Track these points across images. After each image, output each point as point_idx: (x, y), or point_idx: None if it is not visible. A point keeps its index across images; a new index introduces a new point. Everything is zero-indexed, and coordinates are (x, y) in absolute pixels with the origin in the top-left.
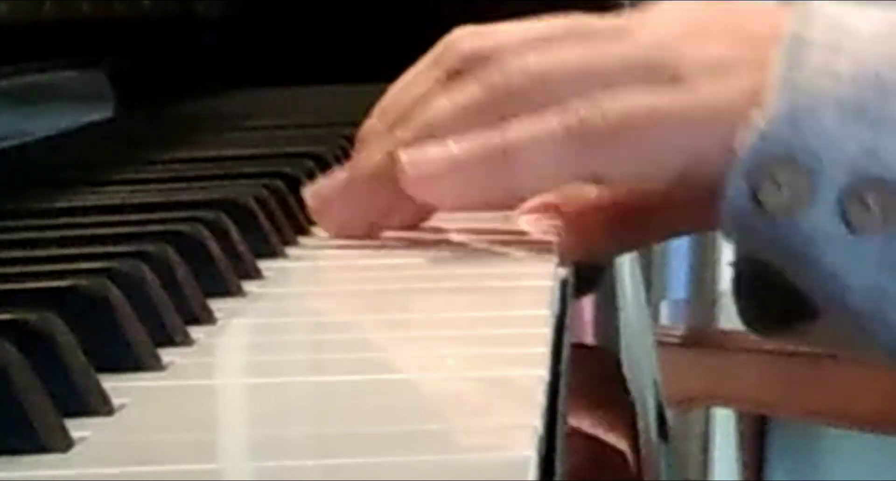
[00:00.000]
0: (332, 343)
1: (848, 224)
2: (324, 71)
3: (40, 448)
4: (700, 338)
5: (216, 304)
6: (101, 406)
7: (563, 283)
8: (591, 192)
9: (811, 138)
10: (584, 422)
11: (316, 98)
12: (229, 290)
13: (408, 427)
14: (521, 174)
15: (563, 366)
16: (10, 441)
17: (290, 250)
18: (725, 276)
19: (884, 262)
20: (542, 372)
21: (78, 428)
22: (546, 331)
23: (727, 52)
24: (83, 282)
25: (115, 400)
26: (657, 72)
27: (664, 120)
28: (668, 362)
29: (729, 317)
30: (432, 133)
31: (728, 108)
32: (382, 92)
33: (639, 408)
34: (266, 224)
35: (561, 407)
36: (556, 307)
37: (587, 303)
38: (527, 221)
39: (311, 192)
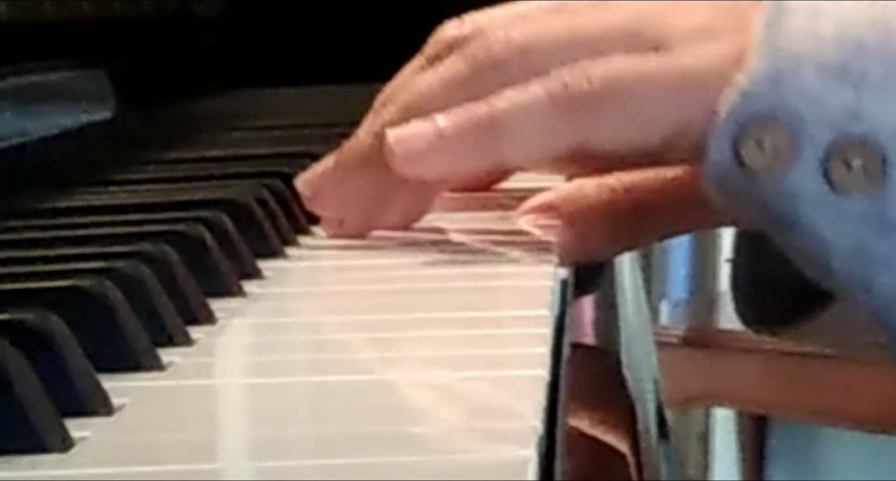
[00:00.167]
0: (331, 343)
1: (830, 183)
2: (323, 71)
3: (40, 448)
4: (700, 338)
5: (216, 304)
6: (101, 406)
7: (563, 283)
8: (590, 192)
9: (793, 98)
10: (584, 422)
11: (316, 98)
12: (229, 290)
13: (407, 427)
14: (508, 143)
15: (563, 366)
16: (10, 441)
17: (290, 250)
18: (725, 276)
19: (866, 222)
20: (542, 372)
21: (78, 428)
22: (546, 331)
23: (710, 20)
24: (83, 282)
25: (115, 400)
26: (640, 39)
27: (649, 84)
28: (668, 362)
29: (729, 317)
30: (417, 109)
31: (713, 73)
32: (381, 92)
33: (639, 408)
34: (266, 224)
35: (561, 407)
36: (556, 307)
37: (587, 303)
38: (526, 221)
39: (302, 180)
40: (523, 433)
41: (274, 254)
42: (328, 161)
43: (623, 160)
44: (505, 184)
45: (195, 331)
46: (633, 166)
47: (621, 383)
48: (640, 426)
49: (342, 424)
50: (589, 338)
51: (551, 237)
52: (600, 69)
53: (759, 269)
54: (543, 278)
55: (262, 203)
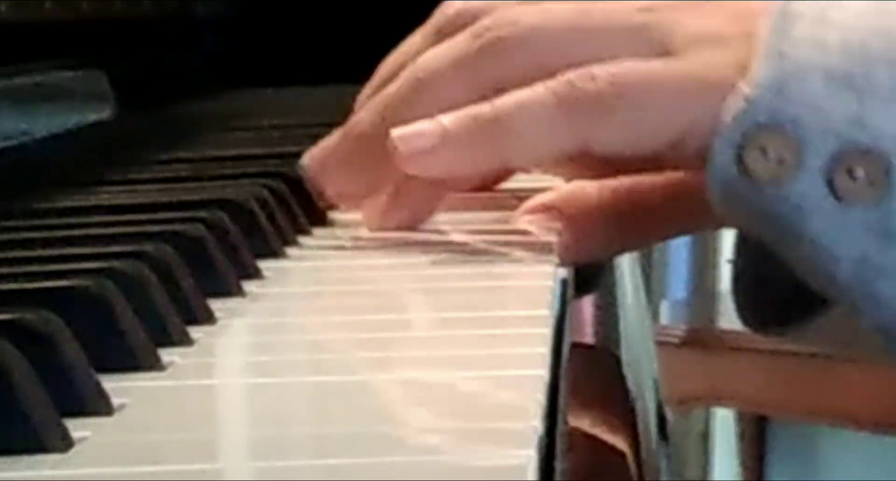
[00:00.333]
0: (331, 343)
1: (834, 192)
2: (323, 71)
3: (40, 448)
4: (700, 338)
5: (216, 304)
6: (101, 406)
7: (563, 283)
8: (591, 193)
9: (797, 106)
10: (584, 422)
11: (315, 98)
12: (229, 290)
13: (407, 427)
14: (512, 143)
15: (563, 366)
16: (10, 441)
17: (290, 250)
18: (725, 276)
19: (870, 231)
20: (542, 372)
21: (78, 428)
22: (546, 331)
23: (719, 27)
24: (83, 282)
25: (115, 400)
26: (648, 41)
27: (656, 87)
28: (668, 362)
29: (729, 317)
30: (419, 85)
31: (719, 79)
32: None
33: (639, 408)
34: (266, 224)
35: (561, 407)
36: (555, 307)
37: (587, 303)
38: (527, 222)
39: (308, 156)
40: (523, 433)
41: (274, 254)
42: (332, 138)
43: (627, 164)
44: (505, 185)
45: (195, 331)
46: (637, 170)
47: (621, 383)
48: (640, 426)
49: (342, 424)
50: (589, 338)
51: (551, 237)
52: (607, 72)
53: (760, 269)
54: (543, 278)
55: (262, 203)
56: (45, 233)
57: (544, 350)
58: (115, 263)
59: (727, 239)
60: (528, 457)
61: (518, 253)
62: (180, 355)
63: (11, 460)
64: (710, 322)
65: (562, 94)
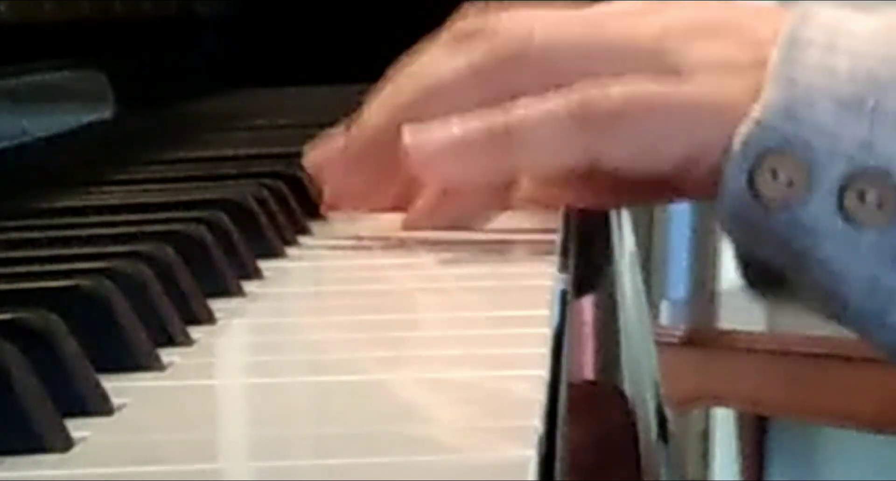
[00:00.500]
0: (331, 343)
1: (845, 216)
2: (323, 71)
3: (40, 448)
4: (700, 338)
5: (216, 304)
6: (101, 406)
7: (563, 284)
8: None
9: (807, 130)
10: (584, 422)
11: (315, 98)
12: (229, 290)
13: (407, 427)
14: (522, 153)
15: (563, 366)
16: (10, 441)
17: (290, 250)
18: (725, 276)
19: (880, 254)
20: (542, 373)
21: (78, 428)
22: (546, 331)
23: (731, 53)
24: (83, 282)
25: (115, 400)
26: (661, 62)
27: (667, 109)
28: (668, 362)
29: (729, 317)
30: (430, 91)
31: (730, 104)
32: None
33: (639, 408)
34: (266, 224)
35: (561, 407)
36: (556, 308)
37: (587, 303)
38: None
39: (311, 155)
40: (523, 433)
41: (274, 254)
42: (339, 138)
43: (633, 183)
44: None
45: (195, 331)
46: (644, 191)
47: (621, 383)
48: (640, 426)
49: (342, 424)
50: (588, 338)
51: (551, 237)
52: (620, 88)
53: None
54: (543, 278)
55: (262, 203)
56: (45, 233)
57: (544, 350)
58: (115, 263)
59: (727, 239)
60: (528, 457)
61: (518, 253)
62: (180, 355)
63: (11, 460)
64: (710, 322)
65: (575, 108)
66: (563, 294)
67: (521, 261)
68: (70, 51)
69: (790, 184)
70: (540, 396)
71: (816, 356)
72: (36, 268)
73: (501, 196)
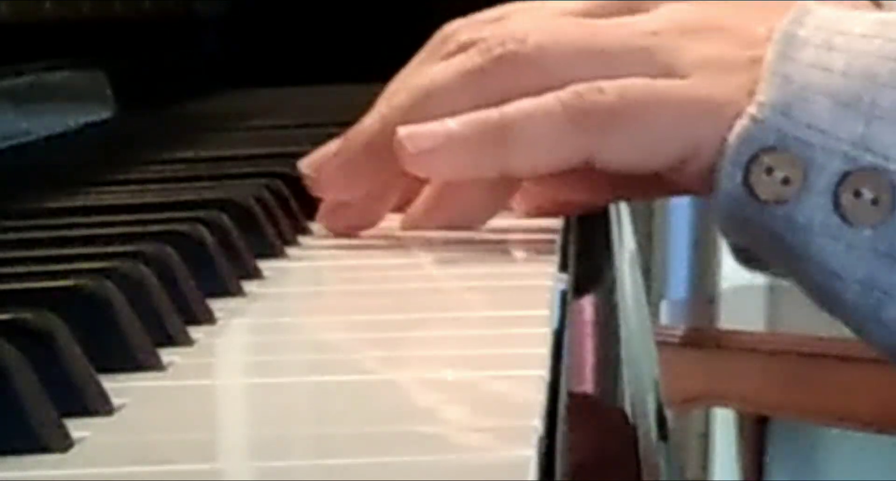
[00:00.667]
0: (331, 343)
1: (840, 213)
2: (323, 71)
3: (40, 448)
4: (700, 338)
5: (216, 304)
6: (101, 406)
7: (563, 284)
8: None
9: (803, 127)
10: (584, 423)
11: (315, 98)
12: (229, 290)
13: (407, 427)
14: (517, 151)
15: (563, 366)
16: (10, 441)
17: (290, 250)
18: (725, 276)
19: (876, 253)
20: (542, 373)
21: (78, 428)
22: (546, 331)
23: (726, 52)
24: (83, 282)
25: (115, 400)
26: (656, 62)
27: (662, 106)
28: (668, 362)
29: (729, 317)
30: (428, 97)
31: (726, 101)
32: (381, 91)
33: (639, 408)
34: (266, 224)
35: (561, 407)
36: (555, 307)
37: (587, 303)
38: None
39: (306, 162)
40: (523, 433)
41: (274, 254)
42: (333, 144)
43: (628, 179)
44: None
45: (195, 331)
46: (639, 187)
47: (621, 383)
48: (640, 426)
49: (342, 424)
50: (589, 338)
51: (551, 237)
52: (615, 86)
53: None
54: (543, 278)
55: (262, 203)
56: (45, 233)
57: (544, 350)
58: (115, 263)
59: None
60: (528, 457)
61: (518, 253)
62: (180, 355)
63: (11, 460)
64: (710, 322)
65: (569, 105)
66: (563, 294)
67: (521, 261)
68: (70, 51)
69: (785, 181)
70: (540, 396)
71: (816, 356)
72: (36, 268)
73: (499, 195)
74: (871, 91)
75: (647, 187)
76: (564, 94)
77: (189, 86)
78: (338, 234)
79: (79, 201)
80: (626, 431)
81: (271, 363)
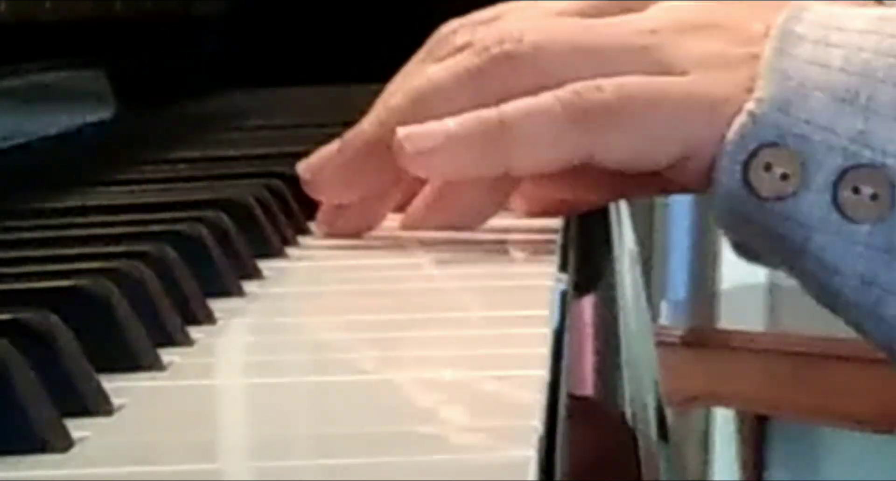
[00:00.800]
0: (331, 343)
1: (839, 209)
2: (323, 71)
3: (40, 448)
4: (700, 338)
5: (216, 304)
6: (101, 406)
7: (564, 285)
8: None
9: (802, 124)
10: (584, 423)
11: (315, 98)
12: (229, 290)
13: (407, 427)
14: (516, 149)
15: (563, 366)
16: (10, 441)
17: (290, 250)
18: (725, 276)
19: (875, 249)
20: (542, 373)
21: (78, 428)
22: (546, 331)
23: (723, 49)
24: (83, 282)
25: (115, 400)
26: (653, 60)
27: (661, 103)
28: (668, 362)
29: (729, 317)
30: (426, 98)
31: (724, 97)
32: (380, 91)
33: (639, 409)
34: (266, 224)
35: (561, 407)
36: (556, 308)
37: (587, 303)
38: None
39: (304, 164)
40: (523, 433)
41: (274, 254)
42: (331, 146)
43: (627, 177)
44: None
45: (195, 331)
46: (637, 185)
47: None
48: (640, 426)
49: (342, 424)
50: (589, 338)
51: (551, 237)
52: (614, 83)
53: None
54: (543, 278)
55: (262, 203)
56: (45, 233)
57: (544, 350)
58: (115, 263)
59: (721, 232)
60: (528, 457)
61: (518, 253)
62: (180, 355)
63: (11, 460)
64: (710, 322)
65: (568, 103)
66: (563, 294)
67: (521, 261)
68: (70, 51)
69: (784, 177)
70: (540, 396)
71: (816, 356)
72: (36, 268)
73: (498, 195)
74: (869, 87)
75: (646, 185)
76: (563, 92)
77: (189, 86)
78: (337, 235)
79: (79, 201)
80: (625, 431)
81: (271, 363)
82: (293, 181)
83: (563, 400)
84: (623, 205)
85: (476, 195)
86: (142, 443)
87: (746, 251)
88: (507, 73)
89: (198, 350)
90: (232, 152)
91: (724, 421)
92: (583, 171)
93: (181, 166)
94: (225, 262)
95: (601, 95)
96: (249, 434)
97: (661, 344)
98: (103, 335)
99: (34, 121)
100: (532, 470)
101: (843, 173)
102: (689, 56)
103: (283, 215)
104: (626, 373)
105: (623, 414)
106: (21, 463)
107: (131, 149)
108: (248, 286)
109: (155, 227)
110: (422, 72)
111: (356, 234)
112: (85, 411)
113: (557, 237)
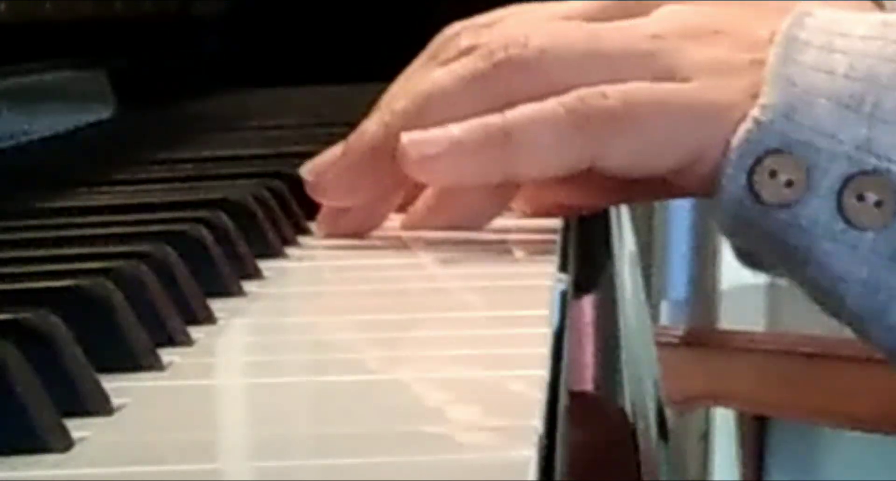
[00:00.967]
0: (331, 343)
1: (843, 216)
2: (323, 71)
3: (40, 448)
4: (700, 338)
5: (216, 304)
6: (101, 406)
7: (564, 285)
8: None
9: (806, 130)
10: (584, 423)
11: (315, 98)
12: (229, 290)
13: (408, 427)
14: (520, 155)
15: (563, 366)
16: (10, 441)
17: (290, 250)
18: (725, 276)
19: (879, 256)
20: (542, 373)
21: (78, 428)
22: (546, 331)
23: (728, 55)
24: (83, 282)
25: (115, 400)
26: (658, 66)
27: (666, 110)
28: (668, 362)
29: (729, 317)
30: (429, 101)
31: (729, 104)
32: (381, 91)
33: (639, 409)
34: (266, 224)
35: (561, 407)
36: (556, 307)
37: (587, 304)
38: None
39: (307, 167)
40: (523, 433)
41: (274, 254)
42: (335, 149)
43: (633, 183)
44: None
45: (195, 331)
46: (641, 191)
47: (621, 383)
48: (640, 426)
49: (342, 424)
50: (589, 338)
51: (551, 237)
52: (618, 90)
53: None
54: (543, 278)
55: (262, 203)
56: (45, 233)
57: (544, 350)
58: (115, 263)
59: (725, 238)
60: (528, 457)
61: (518, 253)
62: (180, 355)
63: (11, 460)
64: (710, 322)
65: (572, 110)
66: (563, 294)
67: (521, 262)
68: (70, 51)
69: (789, 184)
70: (540, 396)
71: (816, 356)
72: (36, 268)
73: (501, 198)
74: (873, 93)
75: (650, 190)
76: (567, 98)
77: (189, 86)
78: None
79: (79, 201)
80: (626, 431)
81: (271, 363)
82: (293, 181)
83: (563, 399)
84: (623, 206)
85: (478, 198)
86: (142, 443)
87: (749, 258)
88: (511, 78)
89: (198, 350)
90: (232, 152)
91: (724, 421)
92: (586, 176)
93: (181, 166)
94: (225, 262)
95: (606, 102)
96: (250, 434)
97: (661, 344)
98: (103, 335)
99: (34, 122)
100: (532, 470)
101: (847, 180)
102: (694, 62)
103: (283, 215)
104: (626, 373)
105: (623, 414)
106: (21, 463)
107: (131, 149)
108: (249, 286)
109: (155, 227)
110: (426, 75)
111: (357, 235)
112: (85, 411)
113: (557, 237)
